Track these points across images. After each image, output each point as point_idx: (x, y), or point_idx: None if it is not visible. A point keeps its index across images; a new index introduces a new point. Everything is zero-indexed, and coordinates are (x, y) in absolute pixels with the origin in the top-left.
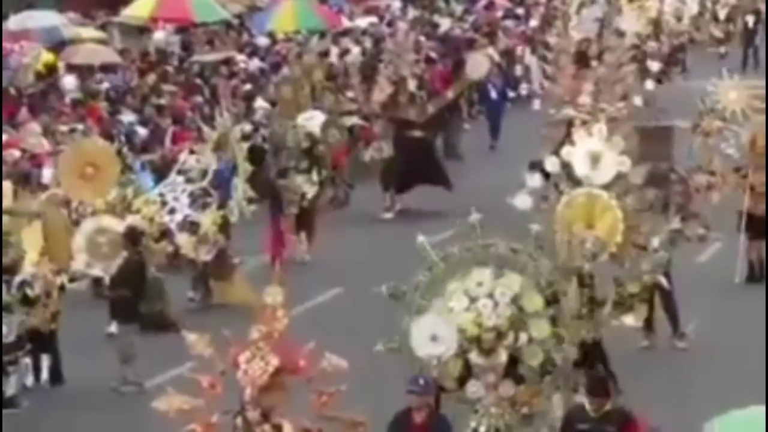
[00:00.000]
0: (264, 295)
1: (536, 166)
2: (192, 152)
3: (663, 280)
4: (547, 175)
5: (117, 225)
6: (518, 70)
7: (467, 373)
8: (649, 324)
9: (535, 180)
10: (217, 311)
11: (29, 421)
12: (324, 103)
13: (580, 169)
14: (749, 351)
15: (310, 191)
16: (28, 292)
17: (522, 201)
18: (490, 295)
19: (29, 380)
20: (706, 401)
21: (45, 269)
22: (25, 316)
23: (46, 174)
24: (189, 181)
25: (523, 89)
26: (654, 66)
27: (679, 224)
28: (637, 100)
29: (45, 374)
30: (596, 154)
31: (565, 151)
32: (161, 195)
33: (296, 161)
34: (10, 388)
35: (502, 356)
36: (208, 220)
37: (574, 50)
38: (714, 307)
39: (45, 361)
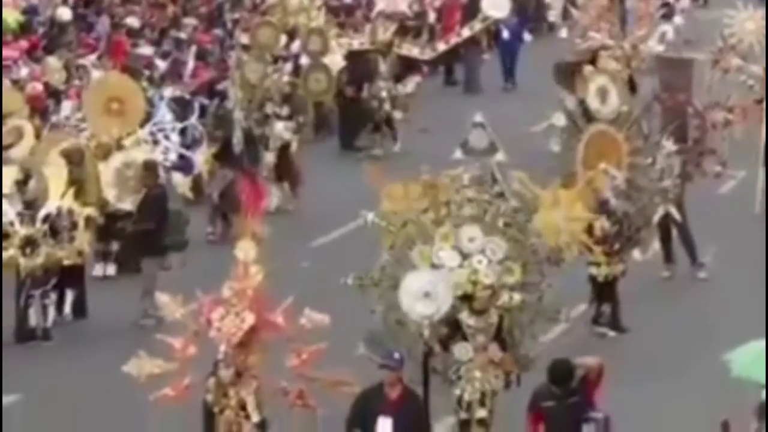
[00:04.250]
0: (236, 251)
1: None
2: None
3: (674, 212)
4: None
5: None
6: None
7: (455, 334)
8: (668, 255)
9: (558, 119)
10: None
11: (50, 353)
12: (310, 47)
13: (593, 104)
14: None
15: (292, 138)
16: (52, 224)
17: (555, 143)
18: (483, 252)
19: (51, 313)
20: (726, 331)
21: (69, 202)
22: (50, 249)
23: (66, 107)
24: (178, 119)
25: (552, 15)
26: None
27: (673, 146)
28: (668, 30)
29: (68, 308)
30: (603, 88)
31: (580, 87)
32: (152, 134)
33: (276, 108)
34: (47, 321)
35: (494, 317)
36: (200, 158)
37: None
38: (734, 238)
39: (69, 295)
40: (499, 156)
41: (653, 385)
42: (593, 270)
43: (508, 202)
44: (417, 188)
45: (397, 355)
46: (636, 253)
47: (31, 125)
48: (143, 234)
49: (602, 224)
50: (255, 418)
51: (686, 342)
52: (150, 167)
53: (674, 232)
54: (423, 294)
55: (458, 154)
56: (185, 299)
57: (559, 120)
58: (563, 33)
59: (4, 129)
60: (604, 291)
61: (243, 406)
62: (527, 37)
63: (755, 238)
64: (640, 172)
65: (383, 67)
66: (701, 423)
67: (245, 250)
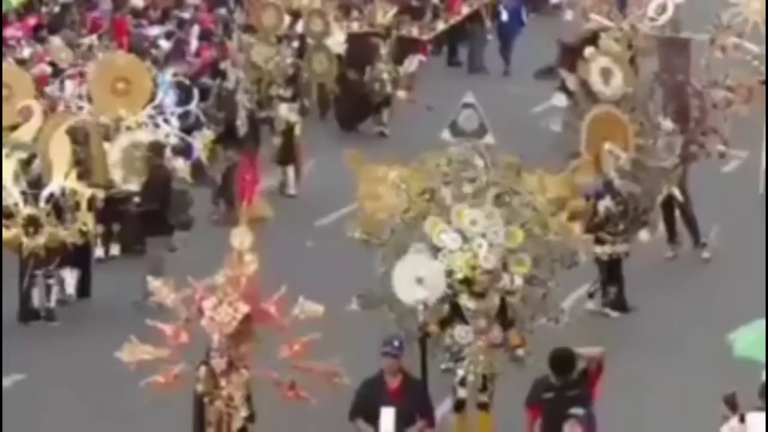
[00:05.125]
0: (231, 239)
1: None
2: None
3: (677, 192)
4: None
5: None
6: None
7: (454, 317)
8: (672, 235)
9: (559, 99)
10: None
11: (53, 334)
12: (311, 29)
13: (596, 84)
14: None
15: (296, 120)
16: (55, 204)
17: (556, 123)
18: (484, 235)
19: (55, 293)
20: (729, 311)
21: (73, 182)
22: (53, 229)
23: (69, 87)
24: (178, 103)
25: None
26: None
27: (670, 125)
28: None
29: (70, 288)
30: (607, 69)
31: (582, 68)
32: (151, 117)
33: (281, 90)
34: (50, 301)
35: (495, 299)
36: (199, 143)
37: None
38: (738, 218)
39: (73, 274)
40: (488, 138)
41: (656, 364)
42: (597, 249)
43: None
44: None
45: (396, 342)
46: (643, 234)
47: (40, 105)
48: (148, 215)
49: (606, 204)
50: (243, 412)
51: (689, 322)
52: (155, 148)
53: (677, 212)
54: (416, 279)
55: (446, 135)
56: (177, 284)
57: (561, 101)
58: (569, 15)
59: (13, 109)
60: (609, 271)
61: (234, 397)
62: (526, 19)
63: (759, 218)
64: (646, 153)
65: (384, 49)
66: (704, 401)
67: (240, 237)
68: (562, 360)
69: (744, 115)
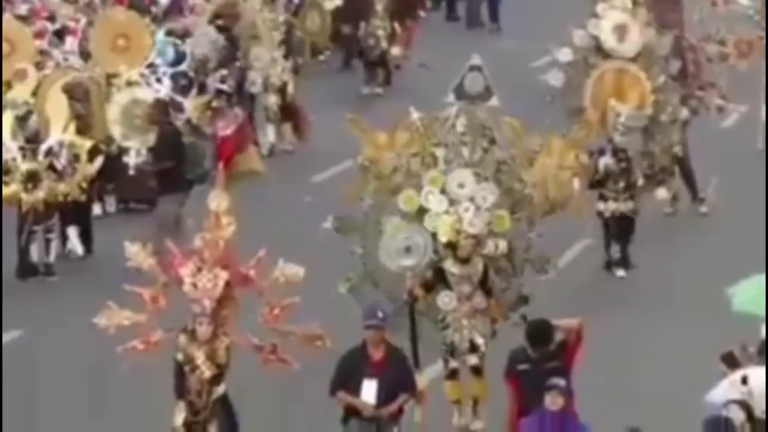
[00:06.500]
0: (208, 201)
1: None
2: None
3: (676, 148)
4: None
5: (152, 97)
6: None
7: (437, 281)
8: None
9: (564, 54)
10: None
11: (52, 290)
12: None
13: (608, 41)
14: None
15: (289, 79)
16: (54, 161)
17: (555, 77)
18: (472, 199)
19: (54, 248)
20: (728, 266)
21: (71, 136)
22: (52, 184)
23: (69, 43)
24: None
25: None
26: None
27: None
28: None
29: (70, 244)
30: (622, 26)
31: (592, 23)
32: (143, 76)
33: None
34: (49, 256)
35: (479, 265)
36: (190, 105)
37: None
38: (736, 173)
39: (73, 230)
40: (494, 101)
41: (654, 319)
42: (600, 205)
43: (505, 151)
44: (404, 135)
45: (381, 314)
46: (661, 192)
47: (35, 70)
48: (164, 173)
49: (606, 161)
50: (207, 372)
51: (688, 277)
52: (160, 105)
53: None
54: (404, 249)
55: (451, 98)
56: (155, 248)
57: (565, 55)
58: None
59: (12, 65)
60: (616, 228)
61: (217, 365)
62: None
63: (758, 173)
64: (663, 110)
65: (379, 5)
66: (703, 356)
67: (217, 199)
68: (539, 332)
69: (743, 70)
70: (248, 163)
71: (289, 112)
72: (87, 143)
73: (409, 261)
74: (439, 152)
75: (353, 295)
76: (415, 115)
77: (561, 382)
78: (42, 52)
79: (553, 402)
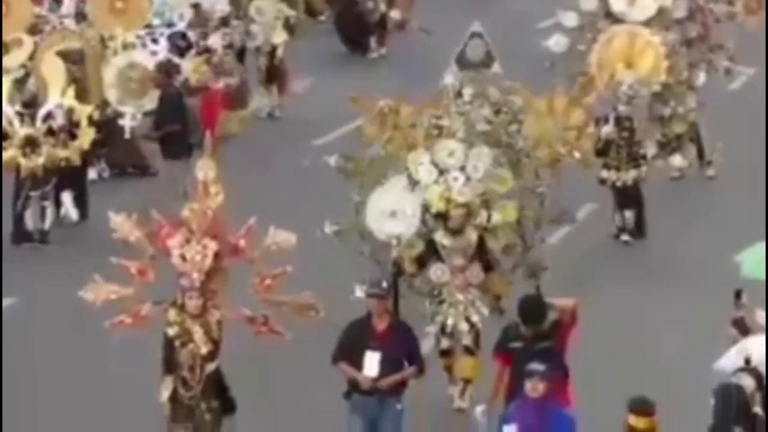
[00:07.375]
0: (196, 170)
1: None
2: None
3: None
4: None
5: (148, 61)
6: None
7: (429, 255)
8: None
9: (569, 18)
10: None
11: (47, 256)
12: None
13: (617, 5)
14: None
15: (281, 41)
16: (53, 123)
17: (557, 43)
18: (462, 168)
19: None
20: (737, 230)
21: (70, 100)
22: (51, 149)
23: (66, 5)
24: (168, 25)
25: None
26: None
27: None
28: None
29: (65, 210)
30: None
31: None
32: (139, 38)
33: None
34: (44, 223)
35: (472, 236)
36: (188, 65)
37: None
38: (745, 134)
39: (67, 196)
40: (495, 67)
41: (661, 285)
42: (603, 173)
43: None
44: (408, 109)
45: (384, 284)
46: (677, 160)
47: (31, 40)
48: (168, 137)
49: (607, 130)
50: (203, 348)
51: (694, 242)
52: (163, 69)
53: None
54: (390, 213)
55: (454, 68)
56: (140, 220)
57: (571, 20)
58: None
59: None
60: (623, 196)
61: (213, 341)
62: None
63: (764, 135)
64: (679, 75)
65: None
66: (709, 322)
67: (205, 169)
68: (532, 308)
69: (751, 30)
70: (233, 123)
71: (275, 75)
72: (87, 108)
73: (393, 228)
74: (449, 122)
75: (338, 239)
76: (449, 79)
77: (540, 367)
78: (38, 16)
79: (533, 388)
